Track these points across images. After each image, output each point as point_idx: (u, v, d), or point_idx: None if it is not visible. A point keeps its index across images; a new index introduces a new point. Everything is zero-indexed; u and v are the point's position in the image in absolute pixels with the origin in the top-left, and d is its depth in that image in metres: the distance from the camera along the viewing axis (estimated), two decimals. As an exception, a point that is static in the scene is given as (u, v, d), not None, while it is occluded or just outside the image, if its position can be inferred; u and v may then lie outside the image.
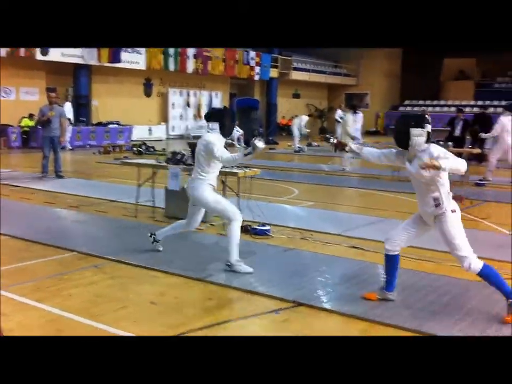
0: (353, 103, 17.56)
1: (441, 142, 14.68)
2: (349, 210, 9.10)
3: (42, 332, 3.97)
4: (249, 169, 7.47)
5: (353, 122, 15.17)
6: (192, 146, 7.92)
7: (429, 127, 4.44)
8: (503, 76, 36.17)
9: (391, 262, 4.72)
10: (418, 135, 4.36)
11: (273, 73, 31.36)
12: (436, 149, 4.38)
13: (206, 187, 5.54)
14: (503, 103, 32.06)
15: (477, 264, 4.38)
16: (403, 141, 4.44)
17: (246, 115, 24.79)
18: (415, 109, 36.20)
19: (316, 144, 23.95)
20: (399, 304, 4.70)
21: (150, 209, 8.35)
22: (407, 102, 37.50)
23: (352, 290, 5.06)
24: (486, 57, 33.02)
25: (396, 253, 4.69)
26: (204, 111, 28.16)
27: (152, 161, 8.33)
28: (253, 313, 4.54)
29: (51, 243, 6.39)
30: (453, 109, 33.07)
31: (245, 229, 7.15)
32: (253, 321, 4.41)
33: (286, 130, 33.14)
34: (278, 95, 32.47)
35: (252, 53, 29.22)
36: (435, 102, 36.18)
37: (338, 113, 22.11)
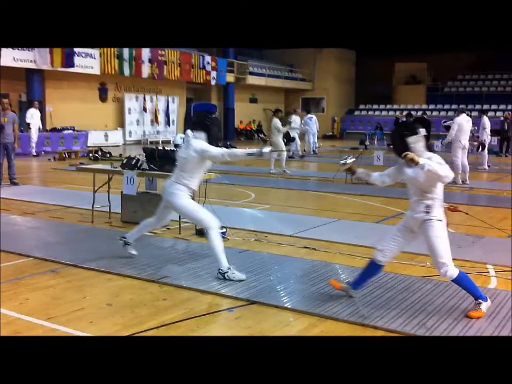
0: (278, 109, 17.88)
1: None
2: (303, 212, 9.34)
3: (-1, 334, 4.04)
4: (205, 173, 7.58)
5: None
6: (147, 151, 8.04)
7: (423, 131, 4.55)
8: (453, 80, 37.36)
9: (374, 270, 4.88)
10: (414, 142, 4.49)
11: (230, 78, 31.54)
12: (433, 157, 4.44)
13: (183, 194, 5.54)
14: (454, 106, 33.20)
15: (454, 272, 4.53)
16: (402, 151, 4.48)
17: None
18: (370, 113, 37.08)
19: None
20: (345, 300, 4.93)
21: (106, 214, 8.41)
22: (361, 106, 38.32)
23: (302, 288, 5.29)
24: (436, 62, 34.06)
25: (383, 264, 4.82)
26: (160, 116, 28.25)
27: (108, 167, 8.39)
28: (206, 311, 4.71)
29: (7, 249, 6.41)
30: (405, 112, 33.99)
31: (201, 232, 7.31)
32: (206, 319, 4.57)
33: (243, 134, 33.42)
34: (235, 100, 32.68)
35: (208, 58, 29.36)
36: (388, 106, 37.08)
37: (293, 118, 22.60)
